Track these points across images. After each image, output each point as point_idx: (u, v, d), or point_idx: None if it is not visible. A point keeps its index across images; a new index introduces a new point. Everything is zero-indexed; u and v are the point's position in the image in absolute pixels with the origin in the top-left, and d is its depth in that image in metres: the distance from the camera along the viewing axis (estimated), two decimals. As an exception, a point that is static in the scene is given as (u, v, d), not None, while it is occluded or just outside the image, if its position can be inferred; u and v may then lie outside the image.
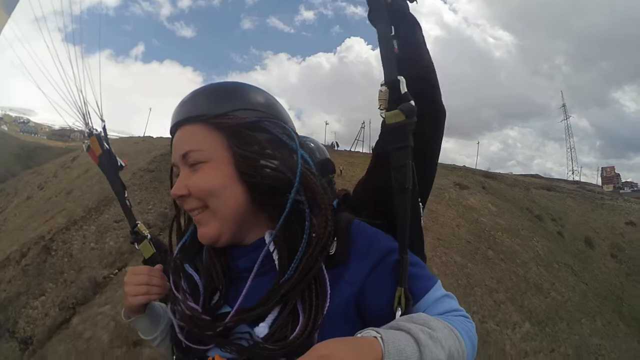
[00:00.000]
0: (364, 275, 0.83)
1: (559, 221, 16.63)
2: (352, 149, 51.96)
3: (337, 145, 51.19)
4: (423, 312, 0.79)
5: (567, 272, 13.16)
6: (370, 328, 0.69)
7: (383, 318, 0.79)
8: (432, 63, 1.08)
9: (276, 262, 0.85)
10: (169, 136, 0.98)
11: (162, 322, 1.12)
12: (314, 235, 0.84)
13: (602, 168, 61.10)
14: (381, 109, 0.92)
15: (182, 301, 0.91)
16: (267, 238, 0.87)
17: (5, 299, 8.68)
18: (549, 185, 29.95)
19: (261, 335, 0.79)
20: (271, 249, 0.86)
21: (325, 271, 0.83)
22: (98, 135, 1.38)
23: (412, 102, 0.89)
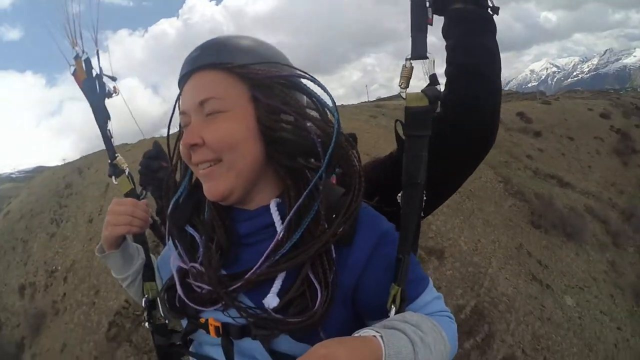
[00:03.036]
0: (364, 262, 0.85)
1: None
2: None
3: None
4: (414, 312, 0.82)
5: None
6: (368, 327, 0.72)
7: (374, 309, 0.84)
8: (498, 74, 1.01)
9: (278, 232, 0.85)
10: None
11: (135, 263, 1.16)
12: (334, 216, 0.84)
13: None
14: (402, 88, 0.89)
15: (189, 257, 0.92)
16: (273, 207, 0.88)
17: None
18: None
19: (271, 306, 0.81)
20: (275, 219, 0.87)
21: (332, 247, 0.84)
22: (87, 60, 1.25)
23: (439, 87, 0.88)
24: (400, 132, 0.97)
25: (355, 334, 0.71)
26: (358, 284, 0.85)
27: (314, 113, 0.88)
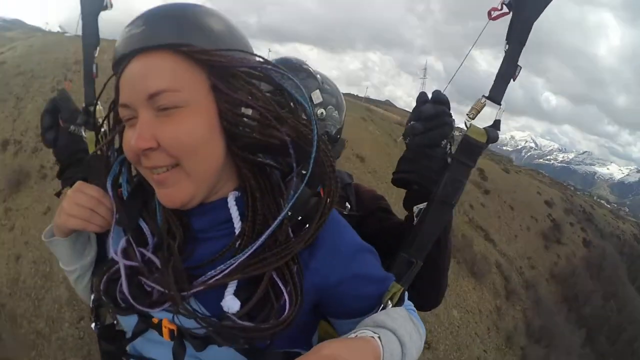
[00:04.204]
0: (330, 266, 0.84)
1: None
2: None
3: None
4: None
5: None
6: (365, 327, 0.76)
7: (348, 313, 0.89)
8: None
9: (236, 229, 0.81)
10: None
11: (86, 254, 1.01)
12: (299, 217, 0.80)
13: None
14: (469, 117, 1.02)
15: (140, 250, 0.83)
16: (230, 201, 0.83)
17: None
18: (402, 121, 37.88)
19: (232, 310, 0.76)
20: (233, 215, 0.82)
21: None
22: None
23: (499, 132, 1.01)
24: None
25: (352, 334, 0.74)
26: (322, 288, 0.84)
27: (287, 109, 0.79)
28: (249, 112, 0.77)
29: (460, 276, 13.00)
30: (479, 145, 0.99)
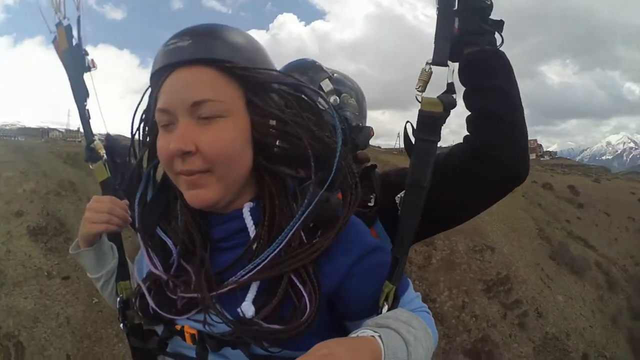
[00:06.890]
0: (344, 270, 0.88)
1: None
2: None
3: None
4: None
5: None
6: (366, 327, 0.76)
7: (357, 312, 0.91)
8: (521, 110, 1.06)
9: (251, 234, 0.88)
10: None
11: (109, 262, 1.18)
12: (311, 225, 0.87)
13: (525, 141, 78.23)
14: (419, 91, 0.96)
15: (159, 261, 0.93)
16: (245, 212, 0.90)
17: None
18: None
19: (248, 315, 0.82)
20: (248, 224, 0.89)
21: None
22: (68, 27, 1.23)
23: (454, 95, 0.95)
24: (410, 134, 1.01)
25: (353, 334, 0.74)
26: (338, 292, 0.88)
27: (316, 125, 0.88)
28: (279, 124, 0.86)
29: (561, 274, 16.55)
30: (436, 116, 0.93)
